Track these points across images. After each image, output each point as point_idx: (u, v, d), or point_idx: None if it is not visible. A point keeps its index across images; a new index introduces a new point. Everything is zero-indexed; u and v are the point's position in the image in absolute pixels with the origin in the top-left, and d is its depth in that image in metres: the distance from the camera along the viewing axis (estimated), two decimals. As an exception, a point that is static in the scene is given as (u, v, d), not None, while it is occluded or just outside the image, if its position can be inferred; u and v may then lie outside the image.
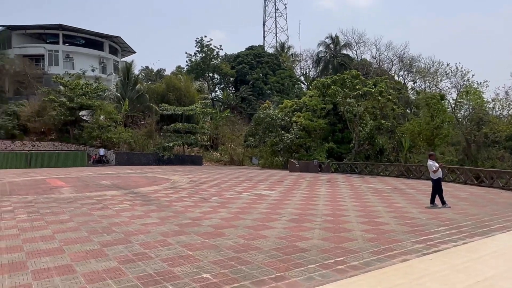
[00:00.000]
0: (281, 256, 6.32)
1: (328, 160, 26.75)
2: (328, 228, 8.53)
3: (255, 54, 60.99)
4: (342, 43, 59.20)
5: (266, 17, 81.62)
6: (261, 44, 72.89)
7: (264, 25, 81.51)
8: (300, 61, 67.75)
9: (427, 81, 44.67)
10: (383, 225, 8.88)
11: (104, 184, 17.86)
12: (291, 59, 67.99)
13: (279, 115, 30.88)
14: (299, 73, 67.34)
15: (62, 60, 49.75)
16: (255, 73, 58.46)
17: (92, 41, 53.87)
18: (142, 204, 11.88)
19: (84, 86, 39.19)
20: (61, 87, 39.84)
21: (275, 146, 31.13)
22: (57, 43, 50.79)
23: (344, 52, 59.74)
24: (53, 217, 9.97)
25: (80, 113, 40.19)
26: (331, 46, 60.66)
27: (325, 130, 30.34)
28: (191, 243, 7.21)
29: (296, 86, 61.54)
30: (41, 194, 14.61)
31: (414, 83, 39.31)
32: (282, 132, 30.29)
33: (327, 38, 60.65)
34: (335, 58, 58.42)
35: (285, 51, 69.70)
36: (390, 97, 25.98)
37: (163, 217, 9.79)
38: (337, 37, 59.57)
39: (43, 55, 49.35)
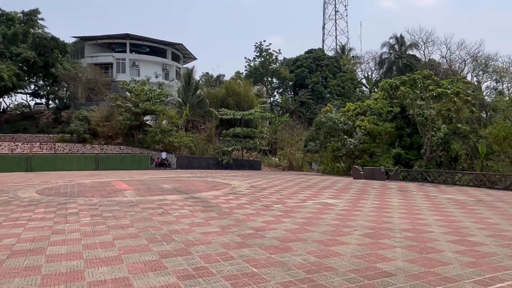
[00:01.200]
0: (361, 281, 5.34)
1: (396, 167, 24.85)
2: (411, 246, 7.35)
3: (314, 58, 59.73)
4: (407, 43, 55.97)
5: (326, 19, 79.93)
6: (321, 47, 71.33)
7: (323, 28, 79.97)
8: (361, 64, 65.24)
9: (505, 82, 40.64)
10: (479, 245, 7.49)
11: (166, 188, 17.84)
12: (352, 61, 65.68)
13: (342, 119, 29.44)
14: (360, 76, 64.86)
15: (129, 68, 52.21)
16: (315, 77, 57.16)
17: (156, 49, 56.03)
18: (203, 211, 11.41)
19: (148, 92, 40.63)
20: (127, 93, 41.64)
21: (337, 151, 29.72)
22: (125, 51, 53.46)
23: (410, 52, 56.40)
24: (114, 221, 9.78)
25: (144, 118, 41.66)
26: (396, 46, 57.61)
27: (392, 135, 28.37)
28: (255, 258, 6.47)
29: (358, 89, 59.21)
30: (105, 196, 14.79)
31: (496, 83, 35.64)
32: (345, 136, 28.82)
33: (391, 38, 57.79)
34: (400, 59, 55.34)
35: (346, 53, 67.56)
36: (469, 98, 23.51)
37: (224, 226, 9.19)
38: (402, 37, 56.49)
39: (111, 63, 52.16)
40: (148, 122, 42.98)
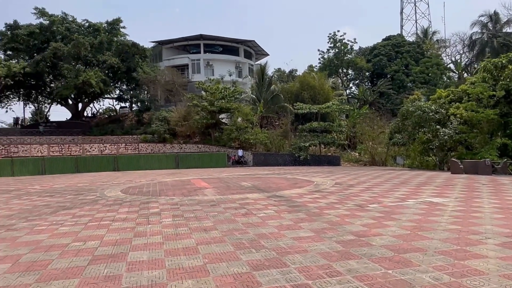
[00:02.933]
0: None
1: (505, 159, 21.47)
2: None
3: (393, 44, 55.69)
4: (504, 20, 49.61)
5: (404, 3, 74.35)
6: (399, 33, 66.45)
7: (401, 12, 74.53)
8: (447, 47, 59.43)
9: None
10: None
11: (245, 186, 17.07)
12: (436, 45, 60.09)
13: (433, 107, 26.38)
14: (446, 60, 59.11)
15: (203, 68, 53.21)
16: (395, 65, 53.25)
17: (229, 47, 56.46)
18: (289, 211, 10.27)
19: (222, 90, 40.78)
20: (203, 92, 42.22)
21: (428, 143, 26.76)
22: (199, 52, 54.62)
23: (508, 30, 49.88)
24: (196, 223, 9.06)
25: (220, 116, 41.92)
26: (489, 25, 51.34)
27: (494, 123, 24.73)
28: (368, 274, 5.14)
29: (444, 75, 53.93)
30: (186, 195, 14.38)
31: None
32: (437, 126, 25.77)
33: (482, 16, 51.69)
34: (494, 39, 49.19)
35: (429, 37, 62.05)
36: None
37: (317, 230, 7.94)
38: (496, 13, 50.24)
39: (187, 65, 53.61)
40: (223, 120, 43.23)
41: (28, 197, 15.67)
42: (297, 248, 6.59)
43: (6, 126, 53.76)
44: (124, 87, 52.65)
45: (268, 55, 62.68)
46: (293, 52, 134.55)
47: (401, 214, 9.48)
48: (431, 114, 25.92)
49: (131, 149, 40.86)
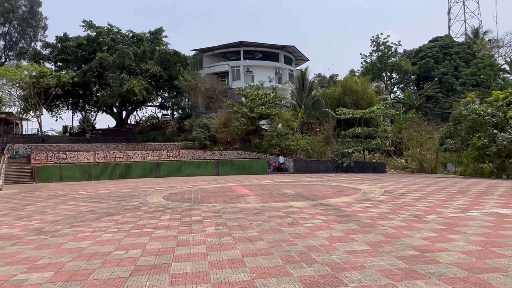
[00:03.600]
0: None
1: None
2: None
3: (441, 46, 53.15)
4: None
5: (452, 3, 71.02)
6: (447, 34, 63.42)
7: (449, 12, 71.26)
8: (500, 47, 55.84)
9: None
10: None
11: (288, 194, 16.46)
12: (488, 46, 56.65)
13: (489, 111, 24.52)
14: (501, 61, 55.53)
15: (243, 74, 53.29)
16: (442, 67, 50.74)
17: (268, 53, 56.27)
18: (338, 221, 9.56)
19: (262, 96, 40.50)
20: (243, 99, 42.14)
21: (484, 149, 24.88)
22: (239, 59, 54.83)
23: None
24: (240, 232, 8.58)
25: (260, 122, 41.62)
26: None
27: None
28: (444, 300, 4.40)
29: (499, 77, 50.59)
30: (228, 202, 13.99)
31: None
32: (495, 131, 23.90)
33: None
34: (554, 37, 45.61)
35: (480, 37, 58.67)
36: None
37: (372, 243, 7.21)
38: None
39: (227, 72, 53.95)
40: (263, 127, 42.91)
41: (74, 203, 15.94)
42: (353, 264, 5.93)
43: (56, 134, 56.44)
44: (166, 95, 53.78)
45: (308, 60, 61.93)
46: (333, 57, 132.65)
47: (466, 226, 8.51)
48: (487, 117, 24.08)
49: (172, 156, 41.39)
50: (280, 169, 36.17)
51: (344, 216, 10.28)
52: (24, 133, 52.65)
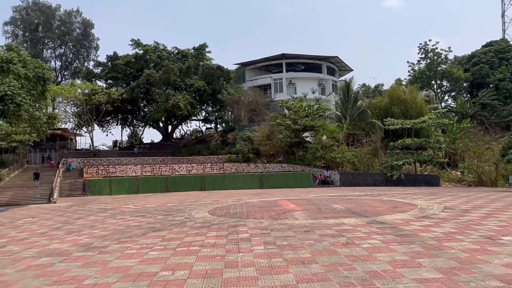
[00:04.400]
0: None
1: None
2: None
3: (496, 50, 49.99)
4: None
5: (506, 5, 66.96)
6: (502, 38, 59.66)
7: (503, 15, 67.07)
8: None
9: None
10: None
11: (338, 209, 15.61)
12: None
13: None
14: None
15: (286, 87, 52.94)
16: (499, 73, 47.65)
17: (311, 65, 55.66)
18: (399, 242, 8.70)
19: (306, 108, 39.84)
20: (286, 111, 41.68)
21: (554, 160, 22.61)
22: (281, 71, 54.65)
23: None
24: (291, 253, 7.98)
25: (304, 134, 40.88)
26: None
27: None
28: None
29: None
30: (275, 218, 13.42)
31: None
32: None
33: None
34: None
35: (539, 40, 54.62)
36: None
37: (444, 269, 6.34)
38: None
39: (270, 84, 53.85)
40: (307, 139, 42.11)
41: (122, 217, 16.05)
42: (427, 297, 5.15)
43: (107, 148, 58.83)
44: (210, 108, 54.53)
45: (352, 70, 60.55)
46: (378, 67, 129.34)
47: (553, 251, 7.38)
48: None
49: (216, 169, 41.57)
50: (325, 182, 35.10)
51: (404, 236, 9.38)
52: (77, 148, 55.32)
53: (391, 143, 35.08)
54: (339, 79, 58.94)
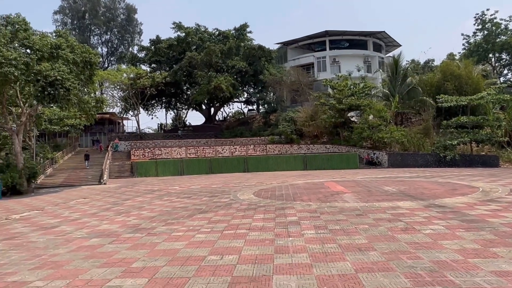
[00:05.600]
0: None
1: None
2: None
3: None
4: None
5: None
6: None
7: None
8: None
9: None
10: None
11: (390, 191, 14.75)
12: None
13: None
14: None
15: (329, 65, 51.21)
16: None
17: (356, 41, 53.34)
18: (465, 228, 7.87)
19: (351, 87, 38.31)
20: (330, 90, 40.33)
21: None
22: (324, 49, 52.81)
23: None
24: (345, 238, 7.43)
25: (349, 114, 39.49)
26: None
27: None
28: None
29: None
30: (324, 201, 12.85)
31: None
32: None
33: None
34: None
35: None
36: None
37: (527, 261, 5.54)
38: None
39: (312, 63, 52.32)
40: (353, 119, 40.66)
41: (168, 198, 16.16)
42: (511, 293, 4.45)
43: (152, 132, 60.33)
44: (251, 90, 54.04)
45: (400, 45, 57.32)
46: (428, 42, 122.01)
47: None
48: None
49: (259, 151, 41.33)
50: (372, 163, 33.79)
51: (470, 221, 8.51)
52: (125, 131, 57.23)
53: (444, 122, 32.94)
54: (386, 55, 56.13)
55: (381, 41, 55.25)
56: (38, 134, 35.50)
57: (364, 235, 7.65)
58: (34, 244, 8.46)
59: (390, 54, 55.81)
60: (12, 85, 21.94)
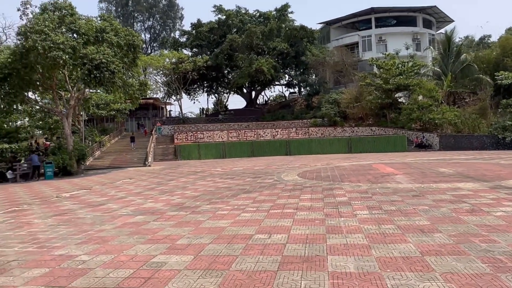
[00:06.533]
0: None
1: None
2: None
3: None
4: None
5: None
6: None
7: None
8: None
9: None
10: None
11: (446, 173, 13.70)
12: None
13: None
14: None
15: (375, 44, 49.00)
16: None
17: (403, 18, 50.53)
18: (544, 210, 6.93)
19: (399, 66, 36.35)
20: (376, 70, 38.54)
21: None
22: (370, 28, 50.55)
23: None
24: (404, 219, 6.78)
25: (396, 95, 37.62)
26: None
27: None
28: None
29: None
30: (374, 182, 12.11)
31: None
32: None
33: None
34: None
35: None
36: None
37: None
38: None
39: (357, 43, 50.31)
40: (400, 100, 38.73)
41: (212, 179, 16.03)
42: None
43: (194, 116, 61.06)
44: (293, 72, 52.95)
45: (452, 21, 53.66)
46: (483, 16, 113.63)
47: None
48: None
49: (301, 134, 40.58)
50: (422, 146, 32.05)
51: (548, 203, 7.53)
52: (168, 115, 58.25)
53: (504, 101, 30.51)
54: (437, 32, 52.79)
55: (431, 17, 51.95)
56: (86, 118, 36.87)
57: (425, 216, 6.95)
58: (82, 220, 8.50)
59: (442, 30, 52.46)
60: (61, 69, 22.61)
